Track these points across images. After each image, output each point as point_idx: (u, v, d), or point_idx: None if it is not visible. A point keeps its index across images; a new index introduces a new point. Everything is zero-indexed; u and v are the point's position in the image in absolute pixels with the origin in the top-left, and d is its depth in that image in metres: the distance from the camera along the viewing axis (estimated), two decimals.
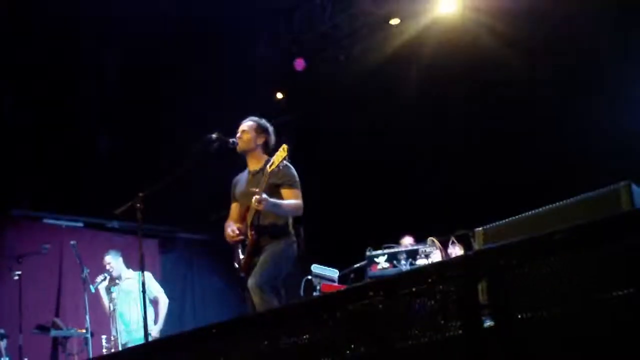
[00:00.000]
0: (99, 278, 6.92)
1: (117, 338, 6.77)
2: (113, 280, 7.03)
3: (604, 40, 6.97)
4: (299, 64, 9.13)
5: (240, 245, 4.98)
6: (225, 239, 5.07)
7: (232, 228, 4.95)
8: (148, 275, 7.30)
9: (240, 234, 4.91)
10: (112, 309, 6.88)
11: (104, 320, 7.07)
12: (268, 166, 4.74)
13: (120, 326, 6.90)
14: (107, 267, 7.07)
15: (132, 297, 6.99)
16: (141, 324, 6.92)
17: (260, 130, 5.10)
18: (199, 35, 8.22)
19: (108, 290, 6.95)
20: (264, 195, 4.60)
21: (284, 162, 4.68)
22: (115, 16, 7.58)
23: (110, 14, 7.58)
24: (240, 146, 5.04)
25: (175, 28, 8.05)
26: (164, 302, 7.27)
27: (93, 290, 6.83)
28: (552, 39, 7.33)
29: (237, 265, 5.01)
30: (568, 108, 7.25)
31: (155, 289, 7.29)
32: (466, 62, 7.98)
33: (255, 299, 4.66)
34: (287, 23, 9.07)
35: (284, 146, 4.73)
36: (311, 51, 9.13)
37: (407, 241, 6.72)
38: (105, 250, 7.35)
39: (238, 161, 5.32)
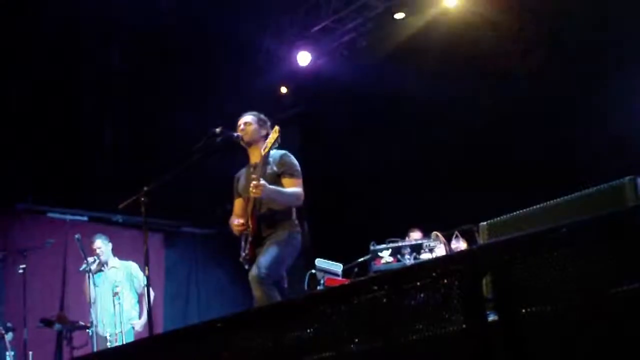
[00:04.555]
0: (89, 260, 6.76)
1: (97, 327, 6.66)
2: (100, 265, 6.92)
3: (605, 32, 6.96)
4: (303, 58, 9.12)
5: (244, 237, 4.99)
6: (230, 232, 5.10)
7: (237, 221, 4.98)
8: (135, 266, 7.26)
9: (244, 225, 4.92)
10: (94, 297, 6.78)
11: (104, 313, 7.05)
12: (262, 149, 4.80)
13: (104, 317, 6.83)
14: (97, 250, 6.97)
15: (116, 287, 6.82)
16: (131, 315, 6.94)
17: (262, 122, 5.14)
18: (204, 29, 8.21)
19: (93, 275, 6.78)
20: (262, 181, 4.62)
21: (277, 143, 4.76)
22: (119, 9, 7.58)
23: (114, 7, 7.58)
24: (245, 138, 5.05)
25: (179, 22, 8.05)
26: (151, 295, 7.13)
27: (80, 270, 6.74)
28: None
29: (241, 259, 5.02)
30: (572, 101, 7.23)
31: (144, 282, 7.14)
32: (470, 57, 7.96)
33: (256, 291, 4.62)
34: (291, 17, 9.06)
35: (276, 128, 4.80)
36: (315, 45, 9.12)
37: (416, 235, 6.72)
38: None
39: (242, 155, 5.33)
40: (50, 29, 7.56)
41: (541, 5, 7.33)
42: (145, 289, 6.85)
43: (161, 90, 8.75)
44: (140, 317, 7.05)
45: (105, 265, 7.03)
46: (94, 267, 6.81)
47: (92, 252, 6.96)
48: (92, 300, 6.84)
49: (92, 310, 6.84)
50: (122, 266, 7.14)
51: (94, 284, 6.79)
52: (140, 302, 7.14)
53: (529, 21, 7.44)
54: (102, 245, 7.07)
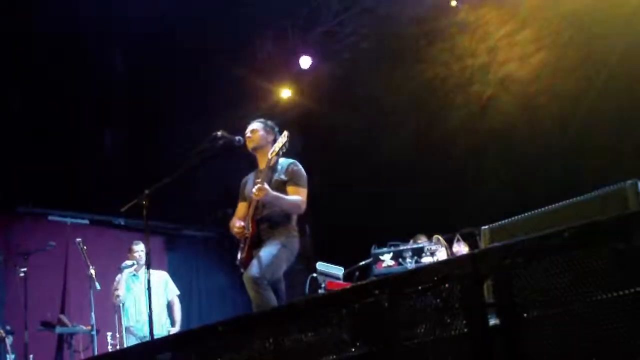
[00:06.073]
0: (128, 262, 6.96)
1: (128, 329, 6.80)
2: (137, 269, 7.04)
3: None
4: (304, 62, 9.12)
5: (243, 241, 5.00)
6: (232, 236, 5.10)
7: (238, 223, 4.99)
8: (167, 275, 7.52)
9: (244, 228, 4.93)
10: (124, 297, 6.89)
11: (108, 317, 7.07)
12: (269, 153, 4.85)
13: (141, 317, 6.89)
14: (139, 254, 7.04)
15: (153, 292, 6.98)
16: (162, 320, 7.00)
17: (269, 129, 5.17)
18: (205, 33, 8.21)
19: (130, 279, 6.97)
20: (265, 185, 4.65)
21: (284, 148, 4.81)
22: (118, 14, 7.59)
23: (113, 12, 7.59)
24: (252, 144, 5.08)
25: (180, 25, 8.06)
26: (178, 306, 7.33)
27: (120, 275, 6.91)
28: None
29: (238, 262, 5.02)
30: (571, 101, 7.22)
31: (174, 292, 7.34)
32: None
33: (250, 292, 4.64)
34: (292, 20, 9.06)
35: (285, 133, 4.86)
36: (316, 49, 9.12)
37: (421, 240, 6.70)
38: (111, 247, 7.37)
39: (243, 159, 5.33)
40: (50, 30, 7.56)
41: None
42: (175, 296, 7.33)
43: (162, 93, 8.75)
44: (173, 324, 7.19)
45: (139, 271, 7.11)
46: (130, 270, 6.99)
47: (131, 256, 7.08)
48: (121, 301, 6.91)
49: (122, 312, 6.94)
50: (154, 273, 7.20)
51: (127, 287, 6.95)
52: (169, 311, 7.27)
53: None
54: (144, 249, 7.08)
